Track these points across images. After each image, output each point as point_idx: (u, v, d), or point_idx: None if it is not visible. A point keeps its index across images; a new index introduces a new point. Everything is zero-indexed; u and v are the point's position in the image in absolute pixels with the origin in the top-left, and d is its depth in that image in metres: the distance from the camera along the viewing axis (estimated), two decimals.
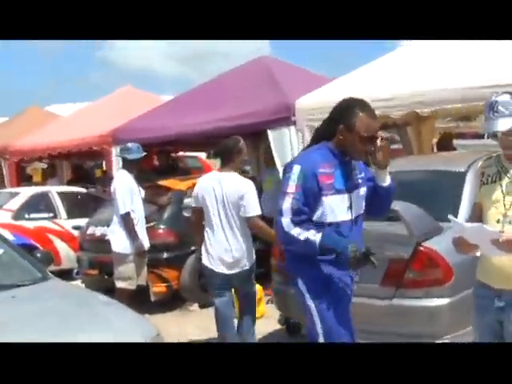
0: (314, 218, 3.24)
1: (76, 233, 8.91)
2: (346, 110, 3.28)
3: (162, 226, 7.20)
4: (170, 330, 5.94)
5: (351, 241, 3.19)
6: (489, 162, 3.25)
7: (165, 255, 7.10)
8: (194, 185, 7.71)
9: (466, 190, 4.88)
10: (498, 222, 3.06)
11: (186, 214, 7.40)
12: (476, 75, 5.92)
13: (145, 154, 6.54)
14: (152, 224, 7.04)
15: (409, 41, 7.01)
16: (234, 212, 4.83)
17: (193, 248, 7.17)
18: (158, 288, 7.03)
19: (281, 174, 7.40)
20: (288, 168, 3.31)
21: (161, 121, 8.97)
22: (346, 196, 3.30)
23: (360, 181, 3.40)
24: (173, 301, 7.26)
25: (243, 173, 8.32)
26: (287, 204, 3.18)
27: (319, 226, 3.22)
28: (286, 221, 3.17)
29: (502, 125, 2.99)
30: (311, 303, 3.31)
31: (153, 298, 7.00)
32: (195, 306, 7.19)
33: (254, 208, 4.81)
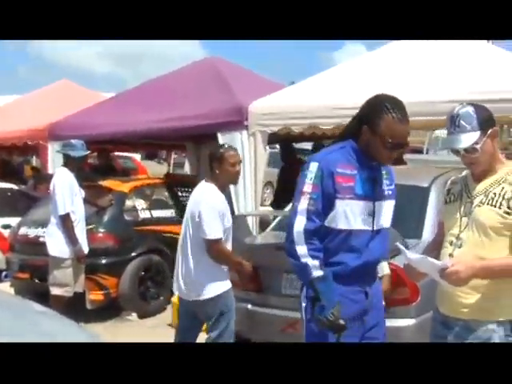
0: (326, 222, 2.90)
1: (6, 232, 8.33)
2: (373, 108, 2.90)
3: (101, 230, 6.75)
4: (106, 341, 5.50)
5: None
6: (456, 179, 3.05)
7: (104, 261, 6.66)
8: (136, 187, 7.44)
9: (430, 206, 4.76)
10: (450, 244, 2.86)
11: (127, 217, 7.01)
12: (441, 88, 5.82)
13: (89, 152, 6.12)
14: (91, 227, 6.60)
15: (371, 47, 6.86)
16: (192, 232, 4.26)
17: (134, 254, 6.84)
18: (95, 296, 6.59)
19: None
20: (306, 165, 2.96)
21: (102, 118, 8.49)
22: (368, 204, 2.94)
23: (390, 192, 3.08)
24: (110, 309, 6.81)
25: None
26: (303, 205, 2.87)
27: (330, 232, 2.90)
28: (298, 229, 2.86)
29: (464, 141, 2.76)
30: (309, 325, 2.98)
31: (89, 306, 6.55)
32: (134, 316, 6.79)
33: (209, 230, 4.14)
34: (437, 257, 2.89)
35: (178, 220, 7.52)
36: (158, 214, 7.44)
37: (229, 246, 4.30)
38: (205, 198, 4.18)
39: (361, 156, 2.96)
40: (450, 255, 2.84)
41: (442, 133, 17.67)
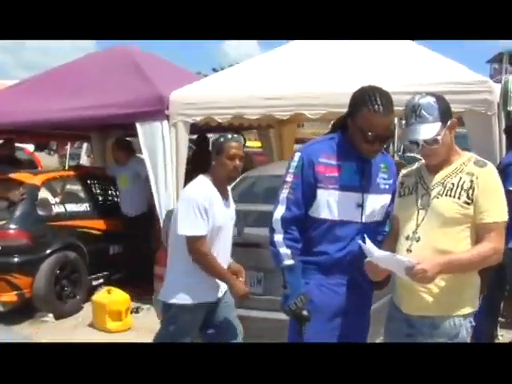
0: (310, 211, 2.91)
1: None
2: (354, 101, 2.88)
3: (13, 226, 6.27)
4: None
5: (307, 293, 2.84)
6: (409, 172, 2.99)
7: (16, 259, 6.18)
8: (48, 179, 6.99)
9: None
10: (407, 238, 2.81)
11: (40, 212, 6.57)
12: (367, 79, 5.78)
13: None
14: (1, 223, 6.19)
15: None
16: (173, 228, 3.79)
17: (48, 251, 6.42)
18: (7, 296, 6.13)
19: (140, 170, 6.99)
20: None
21: (3, 106, 7.89)
22: (356, 195, 2.90)
23: (386, 186, 3.02)
24: (24, 310, 6.38)
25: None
26: (284, 194, 2.93)
27: (313, 221, 2.90)
28: (276, 217, 2.91)
29: (425, 132, 2.72)
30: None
31: (1, 308, 6.09)
32: (50, 317, 6.37)
33: (183, 224, 3.64)
34: (392, 252, 2.82)
35: (92, 214, 7.24)
36: (72, 208, 7.03)
37: (217, 251, 3.74)
38: (186, 190, 3.79)
39: (349, 148, 2.92)
40: (408, 250, 2.78)
41: None
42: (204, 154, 8.52)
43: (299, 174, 2.89)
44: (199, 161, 7.67)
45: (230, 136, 3.73)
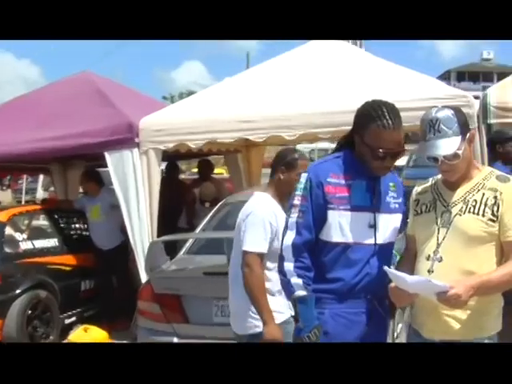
0: (320, 235, 2.72)
1: None
2: (360, 117, 2.73)
3: None
4: None
5: (321, 326, 2.65)
6: (424, 188, 2.84)
7: None
8: (14, 215, 6.67)
9: None
10: (427, 258, 2.66)
11: (7, 249, 6.24)
12: (342, 100, 5.71)
13: None
14: None
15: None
16: (234, 252, 3.63)
17: (18, 291, 6.09)
18: None
19: (114, 201, 6.72)
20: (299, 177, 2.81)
21: None
22: (368, 215, 2.73)
23: (396, 205, 2.85)
24: None
25: None
26: (293, 218, 2.75)
27: (325, 245, 2.71)
28: (286, 243, 2.73)
29: (445, 147, 2.58)
30: None
31: None
32: None
33: (247, 241, 3.44)
34: (410, 273, 2.67)
35: (62, 249, 6.92)
36: (40, 244, 6.72)
37: (268, 280, 3.46)
38: (251, 208, 3.54)
39: (358, 166, 2.76)
40: (430, 271, 2.63)
41: (304, 147, 18.13)
42: (174, 181, 8.38)
43: (308, 196, 2.72)
44: (171, 188, 7.50)
45: (299, 152, 3.67)
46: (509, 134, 5.42)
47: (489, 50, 72.39)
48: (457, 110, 2.66)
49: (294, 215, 2.74)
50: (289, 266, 2.70)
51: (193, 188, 8.05)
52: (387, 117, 2.65)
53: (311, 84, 6.15)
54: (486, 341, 2.63)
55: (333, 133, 5.83)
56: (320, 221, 2.71)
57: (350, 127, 2.84)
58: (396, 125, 2.67)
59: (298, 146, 16.75)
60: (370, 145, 2.67)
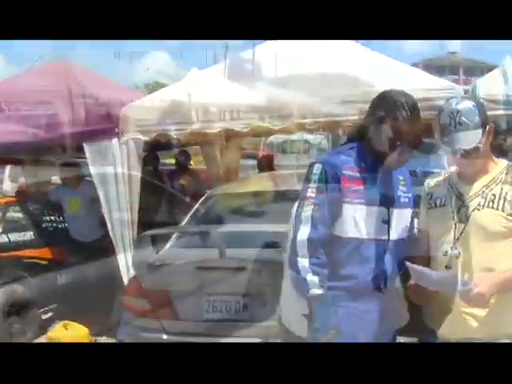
0: (334, 231, 2.61)
1: None
2: (377, 107, 2.63)
3: None
4: None
5: (338, 326, 2.54)
6: (438, 182, 2.76)
7: None
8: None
9: None
10: (444, 254, 2.59)
11: None
12: (335, 90, 5.62)
13: None
14: None
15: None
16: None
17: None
18: None
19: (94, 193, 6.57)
20: (310, 167, 2.66)
21: None
22: (382, 210, 2.64)
23: (406, 199, 2.75)
24: None
25: None
26: (307, 211, 2.60)
27: (338, 241, 2.61)
28: (301, 238, 2.58)
29: (467, 140, 2.50)
30: None
31: None
32: None
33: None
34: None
35: (38, 243, 6.70)
36: (15, 237, 6.52)
37: None
38: None
39: (371, 159, 2.67)
40: (447, 267, 2.55)
41: (275, 138, 18.00)
42: (155, 172, 8.18)
43: (323, 188, 2.60)
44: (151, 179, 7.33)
45: None
46: (499, 126, 5.39)
47: (455, 44, 73.26)
48: (476, 102, 2.58)
49: (309, 208, 2.61)
50: (303, 262, 2.57)
51: (171, 179, 7.89)
52: (406, 108, 2.57)
53: (301, 72, 6.04)
54: (507, 340, 2.55)
55: (321, 123, 5.74)
56: (335, 215, 2.60)
57: (335, 118, 2.76)
58: (415, 116, 2.59)
59: (272, 138, 16.72)
60: (388, 137, 2.58)
